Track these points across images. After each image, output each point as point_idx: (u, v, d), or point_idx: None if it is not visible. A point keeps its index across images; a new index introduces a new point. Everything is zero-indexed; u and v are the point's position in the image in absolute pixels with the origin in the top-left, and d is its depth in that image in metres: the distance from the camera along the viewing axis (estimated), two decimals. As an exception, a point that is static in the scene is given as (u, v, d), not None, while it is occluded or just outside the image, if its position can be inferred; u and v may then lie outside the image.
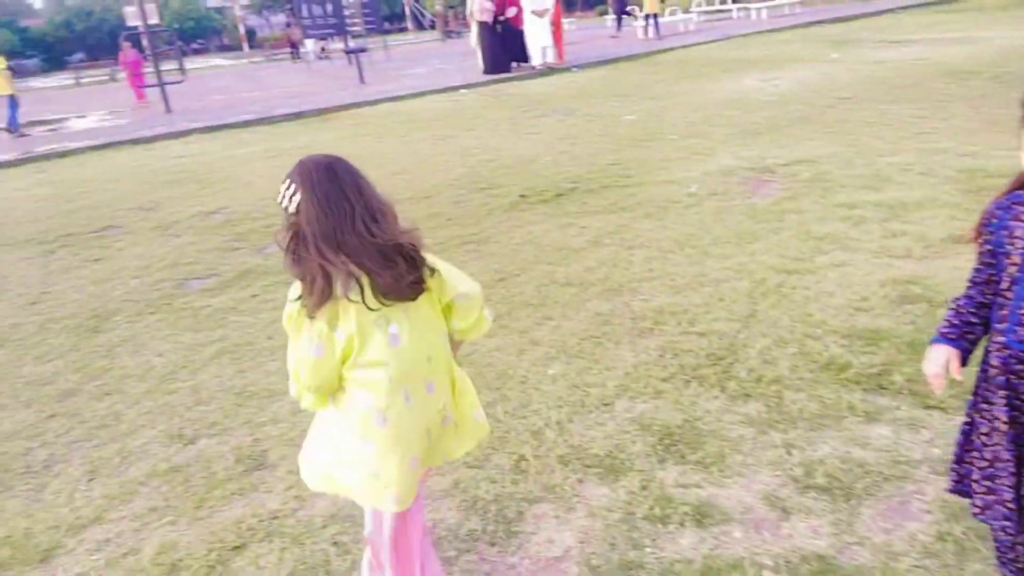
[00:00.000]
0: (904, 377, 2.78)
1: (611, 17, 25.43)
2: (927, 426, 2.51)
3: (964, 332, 1.59)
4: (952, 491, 1.68)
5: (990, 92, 8.15)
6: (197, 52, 48.01)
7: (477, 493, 2.44)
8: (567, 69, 15.47)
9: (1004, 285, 1.50)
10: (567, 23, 21.45)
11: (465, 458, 2.60)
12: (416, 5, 53.14)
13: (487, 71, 15.61)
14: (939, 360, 1.59)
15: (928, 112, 7.46)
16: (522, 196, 6.14)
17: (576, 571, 2.06)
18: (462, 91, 13.99)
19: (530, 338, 3.55)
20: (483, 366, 3.30)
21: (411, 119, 11.26)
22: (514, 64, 16.00)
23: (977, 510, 1.57)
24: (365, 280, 1.51)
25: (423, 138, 9.50)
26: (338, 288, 1.50)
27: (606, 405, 2.89)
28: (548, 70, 15.38)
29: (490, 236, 5.21)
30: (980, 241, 1.57)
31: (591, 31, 27.64)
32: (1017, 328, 1.46)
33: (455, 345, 1.78)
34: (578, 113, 10.12)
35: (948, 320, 1.62)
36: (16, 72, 14.46)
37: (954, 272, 3.64)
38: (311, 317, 1.53)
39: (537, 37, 15.56)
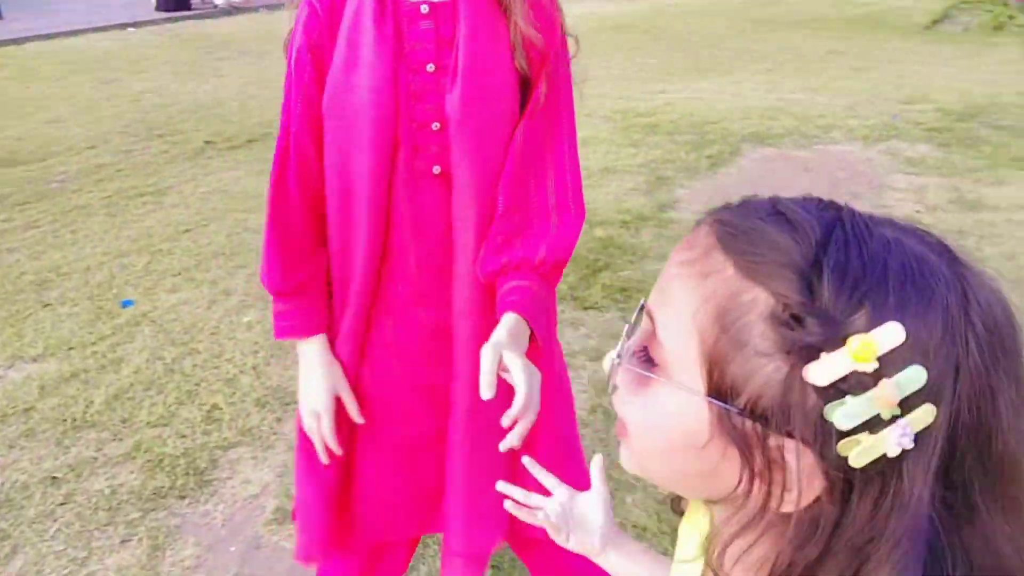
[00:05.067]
0: (567, 285, 3.15)
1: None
2: (584, 324, 2.90)
3: None
4: None
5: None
6: None
7: (164, 451, 2.29)
8: (254, 9, 14.45)
9: None
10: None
11: (148, 417, 2.42)
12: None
13: (160, 7, 13.96)
14: None
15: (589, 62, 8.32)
16: (208, 143, 5.68)
17: (275, 503, 2.06)
18: (130, 29, 12.38)
19: (222, 288, 3.36)
20: (168, 322, 3.05)
21: (67, 61, 9.71)
22: (196, 0, 14.53)
23: None
24: None
25: (83, 82, 8.27)
26: None
27: (304, 344, 2.86)
28: (233, 8, 14.23)
29: (171, 187, 4.76)
30: None
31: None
32: None
33: None
34: (270, 55, 9.55)
35: None
36: None
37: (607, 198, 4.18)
38: None
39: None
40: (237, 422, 2.41)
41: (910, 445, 0.42)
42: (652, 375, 0.50)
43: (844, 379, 0.41)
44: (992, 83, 6.46)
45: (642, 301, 0.54)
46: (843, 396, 0.42)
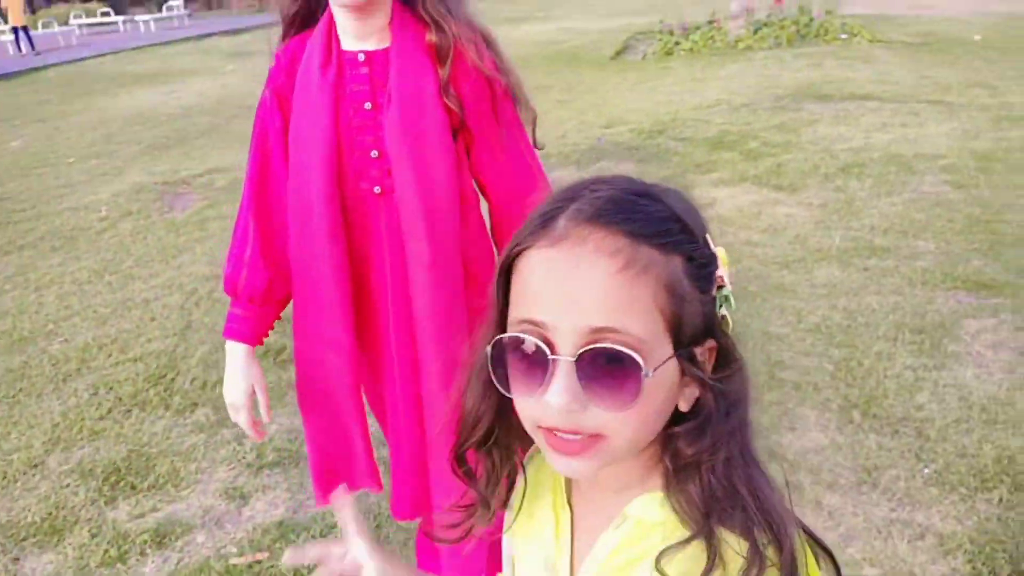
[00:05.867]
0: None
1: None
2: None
3: None
4: None
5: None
6: None
7: None
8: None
9: None
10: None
11: None
12: None
13: None
14: None
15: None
16: None
17: (23, 657, 1.80)
18: None
19: (-86, 425, 2.85)
20: None
21: None
22: None
23: None
24: None
25: None
26: None
27: (35, 467, 2.53)
28: None
29: None
30: None
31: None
32: None
33: None
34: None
35: None
36: None
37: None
38: None
39: None
40: (-40, 577, 2.07)
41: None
42: (647, 371, 0.58)
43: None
44: (670, 103, 7.55)
45: (544, 344, 0.59)
46: (720, 291, 0.62)
